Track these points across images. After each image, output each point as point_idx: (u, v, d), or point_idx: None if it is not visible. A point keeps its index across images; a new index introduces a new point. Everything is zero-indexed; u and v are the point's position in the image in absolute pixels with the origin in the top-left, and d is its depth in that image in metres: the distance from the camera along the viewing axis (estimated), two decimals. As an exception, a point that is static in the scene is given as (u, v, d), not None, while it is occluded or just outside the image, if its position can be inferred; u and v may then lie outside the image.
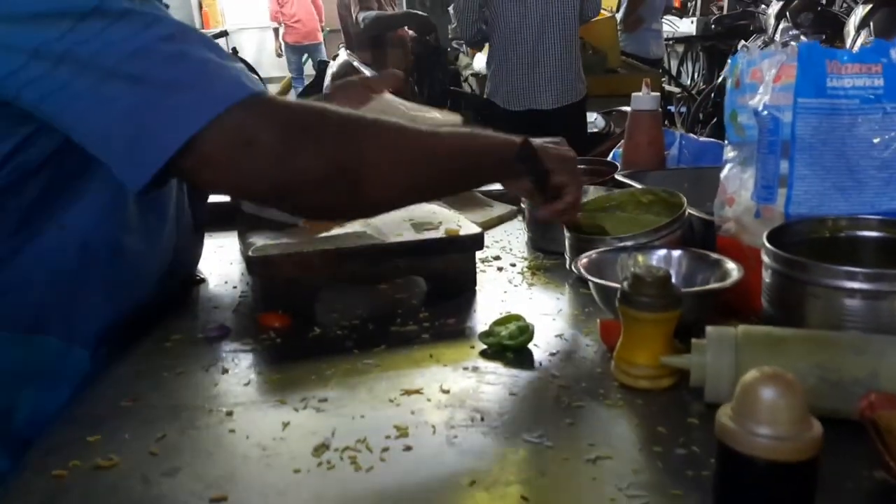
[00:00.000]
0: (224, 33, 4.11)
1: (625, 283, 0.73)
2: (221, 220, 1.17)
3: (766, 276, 0.77)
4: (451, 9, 3.33)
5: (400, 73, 1.24)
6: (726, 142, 0.95)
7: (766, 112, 0.84)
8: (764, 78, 0.87)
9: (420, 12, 3.64)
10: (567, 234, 1.05)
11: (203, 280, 1.06)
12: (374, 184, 0.76)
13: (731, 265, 0.86)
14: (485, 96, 3.20)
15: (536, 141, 0.92)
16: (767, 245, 0.76)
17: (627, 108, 3.44)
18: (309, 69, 7.29)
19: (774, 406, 0.50)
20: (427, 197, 0.92)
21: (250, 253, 0.90)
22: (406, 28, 4.28)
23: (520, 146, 0.89)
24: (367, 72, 3.84)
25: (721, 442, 0.52)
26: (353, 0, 3.96)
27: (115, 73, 0.65)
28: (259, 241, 0.95)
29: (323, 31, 8.16)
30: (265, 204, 0.89)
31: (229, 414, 0.70)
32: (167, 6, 0.75)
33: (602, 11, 4.78)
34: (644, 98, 1.33)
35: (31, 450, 0.65)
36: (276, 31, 8.32)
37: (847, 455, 0.60)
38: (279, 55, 8.35)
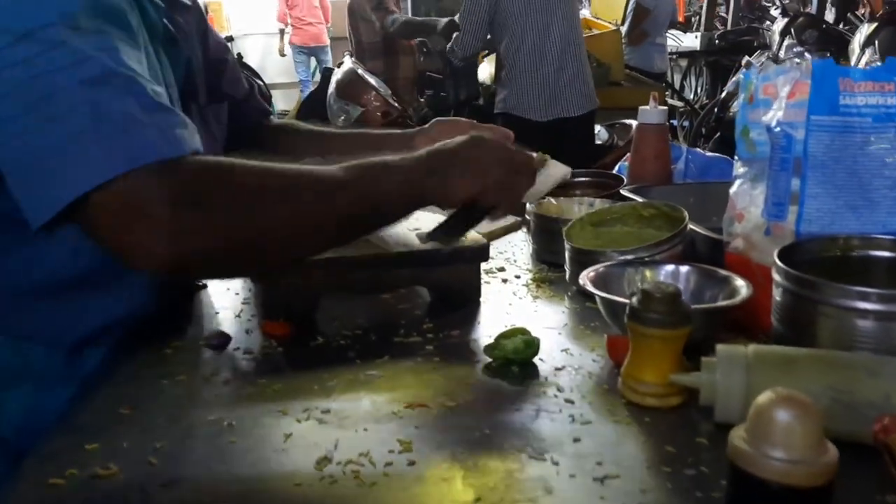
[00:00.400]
0: (229, 39, 4.11)
1: (634, 299, 0.71)
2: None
3: (777, 295, 0.76)
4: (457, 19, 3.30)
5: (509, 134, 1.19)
6: (736, 157, 0.94)
7: (779, 128, 0.84)
8: (778, 94, 0.86)
9: (450, 18, 3.58)
10: (567, 246, 1.04)
11: (204, 286, 1.05)
12: (275, 253, 0.73)
13: (739, 282, 0.85)
14: (496, 111, 3.16)
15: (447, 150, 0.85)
16: (779, 263, 0.75)
17: (631, 121, 3.46)
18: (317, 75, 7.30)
19: (789, 429, 0.49)
20: (339, 244, 0.84)
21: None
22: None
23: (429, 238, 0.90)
24: (372, 81, 3.84)
25: (734, 464, 0.51)
26: (370, 7, 3.92)
27: (32, 107, 0.63)
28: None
29: (329, 32, 8.19)
30: (163, 276, 0.79)
31: (230, 424, 0.69)
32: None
33: (607, 24, 4.81)
34: (651, 112, 1.32)
35: (27, 457, 0.64)
36: (281, 32, 8.33)
37: (860, 479, 0.59)
38: (283, 55, 8.36)
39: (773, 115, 0.85)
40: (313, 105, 3.84)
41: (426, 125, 1.18)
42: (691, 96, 5.59)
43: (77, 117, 0.63)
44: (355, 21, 4.08)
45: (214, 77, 1.05)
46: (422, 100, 4.34)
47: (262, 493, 0.58)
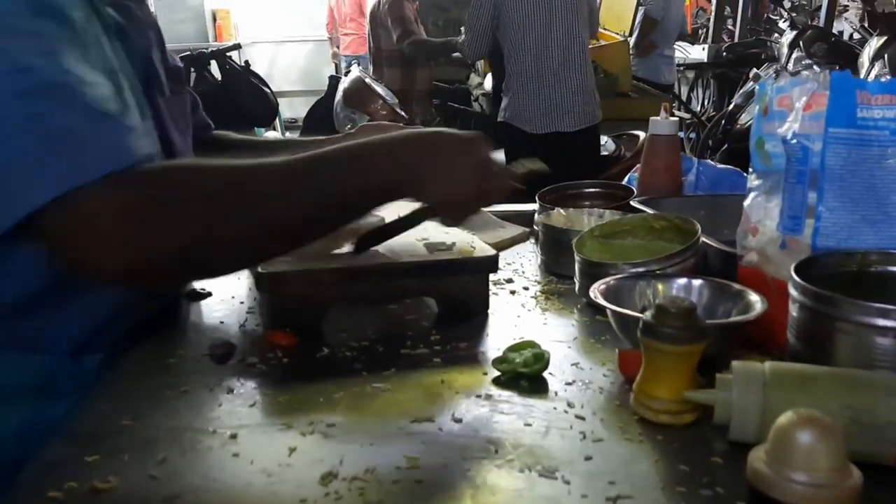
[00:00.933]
0: (237, 46, 4.12)
1: (647, 314, 0.70)
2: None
3: (794, 310, 0.74)
4: (462, 28, 3.31)
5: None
6: (751, 170, 0.92)
7: (795, 140, 0.82)
8: (794, 105, 0.85)
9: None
10: (577, 258, 1.02)
11: (209, 294, 1.04)
12: (228, 258, 0.73)
13: (754, 297, 0.83)
14: (499, 119, 3.15)
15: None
16: (795, 278, 0.73)
17: (638, 133, 3.43)
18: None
19: (812, 451, 0.47)
20: (305, 243, 0.81)
21: (259, 269, 0.87)
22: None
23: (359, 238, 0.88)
24: (379, 89, 3.83)
25: (754, 487, 0.49)
26: (394, 22, 3.91)
27: None
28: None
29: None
30: (118, 286, 0.78)
31: (233, 437, 0.67)
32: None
33: (615, 35, 4.80)
34: (662, 123, 1.31)
35: (25, 468, 0.63)
36: (330, 39, 8.40)
37: (880, 502, 0.57)
38: (335, 63, 8.37)
39: (789, 127, 0.84)
40: (320, 113, 3.84)
41: (353, 130, 1.18)
42: (698, 108, 5.58)
43: (18, 134, 0.62)
44: (376, 28, 4.07)
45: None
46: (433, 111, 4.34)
47: (266, 508, 0.57)
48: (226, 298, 1.03)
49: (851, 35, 4.80)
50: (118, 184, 0.63)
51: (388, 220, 0.94)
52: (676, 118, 1.35)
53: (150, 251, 0.65)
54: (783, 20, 5.08)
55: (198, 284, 1.06)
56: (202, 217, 0.68)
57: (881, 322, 0.67)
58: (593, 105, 3.08)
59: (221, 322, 0.95)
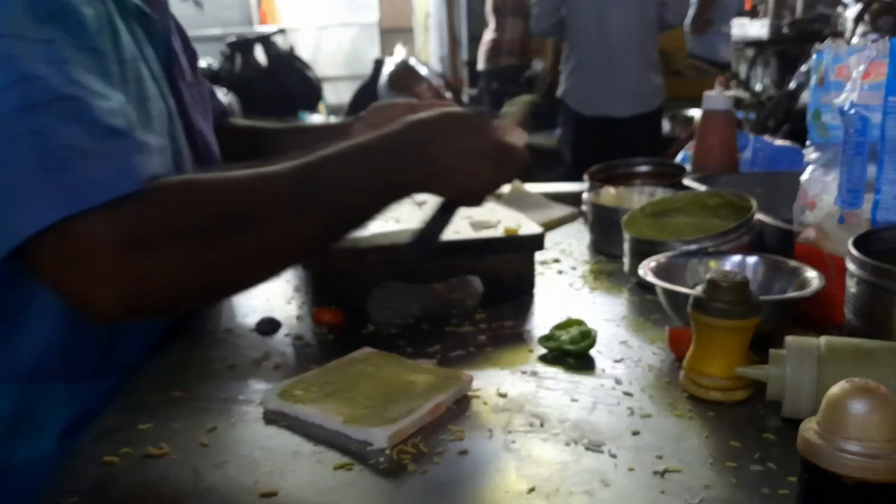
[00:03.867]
0: (282, 31, 4.15)
1: (699, 288, 0.68)
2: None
3: (851, 286, 0.72)
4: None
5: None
6: (808, 142, 0.90)
7: (853, 111, 0.79)
8: (851, 75, 0.81)
9: None
10: (626, 237, 1.00)
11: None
12: (240, 281, 0.68)
13: (811, 273, 0.81)
14: (557, 95, 3.09)
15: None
16: (853, 252, 0.71)
17: (693, 112, 3.32)
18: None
19: (866, 421, 0.45)
20: (315, 254, 0.79)
21: (306, 246, 0.88)
22: None
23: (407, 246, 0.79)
24: (424, 71, 3.81)
25: (805, 459, 0.48)
26: None
27: None
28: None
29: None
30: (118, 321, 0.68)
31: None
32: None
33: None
34: (716, 98, 1.27)
35: (83, 435, 0.65)
36: None
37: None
38: None
39: (847, 97, 0.81)
40: (365, 97, 3.86)
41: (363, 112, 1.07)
42: (758, 87, 5.41)
43: (18, 151, 0.58)
44: None
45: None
46: None
47: (313, 477, 0.58)
48: (275, 277, 1.05)
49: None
50: (118, 212, 0.58)
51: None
52: (732, 93, 1.31)
53: (149, 285, 0.60)
54: (848, -7, 4.88)
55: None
56: (209, 246, 0.62)
57: (944, 296, 0.64)
58: (650, 90, 2.96)
59: (268, 300, 0.96)
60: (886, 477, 0.45)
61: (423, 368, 0.73)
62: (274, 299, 0.97)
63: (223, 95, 3.31)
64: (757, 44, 5.25)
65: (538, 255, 1.01)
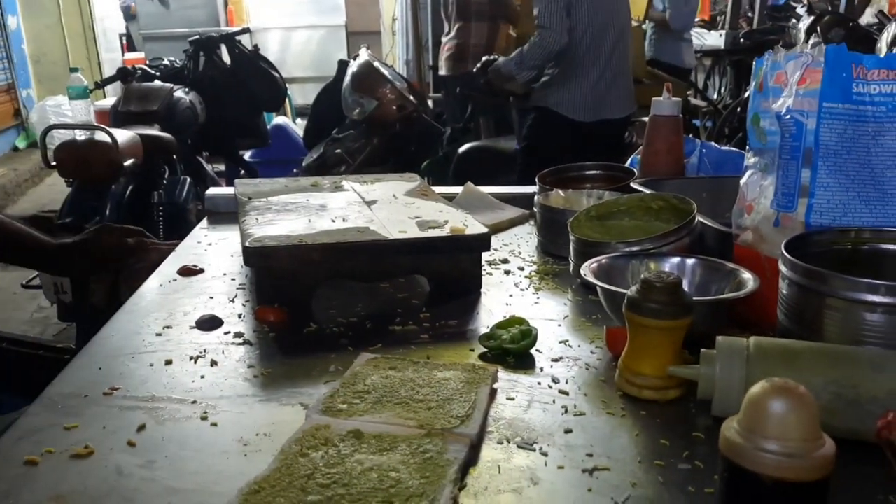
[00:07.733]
0: (246, 30, 4.08)
1: (633, 289, 0.69)
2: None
3: (783, 287, 0.73)
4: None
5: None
6: (747, 147, 0.91)
7: (789, 116, 0.81)
8: (788, 81, 0.83)
9: None
10: (571, 238, 1.01)
11: (201, 271, 1.04)
12: None
13: (746, 275, 0.82)
14: (535, 103, 3.02)
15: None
16: (786, 254, 0.72)
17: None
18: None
19: (784, 420, 0.46)
20: None
21: (247, 243, 0.87)
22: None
23: None
24: (388, 74, 3.77)
25: (726, 457, 0.49)
26: None
27: None
28: (259, 232, 0.92)
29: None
30: None
31: (212, 407, 0.67)
32: None
33: (628, 21, 4.72)
34: (664, 103, 1.29)
35: (5, 434, 0.63)
36: None
37: (861, 478, 0.56)
38: None
39: (784, 103, 0.82)
40: (328, 98, 3.82)
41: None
42: (715, 96, 5.51)
43: None
44: None
45: None
46: None
47: (241, 476, 0.57)
48: (217, 275, 1.04)
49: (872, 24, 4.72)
50: None
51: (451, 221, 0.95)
52: (679, 99, 1.33)
53: None
54: (801, 6, 4.99)
55: (189, 262, 1.06)
56: None
57: (869, 297, 0.65)
58: (632, 92, 3.04)
59: (211, 297, 0.95)
60: (803, 476, 0.46)
61: (443, 366, 0.73)
62: (217, 297, 0.95)
63: (185, 94, 3.23)
64: (714, 53, 5.35)
65: (487, 256, 1.01)
